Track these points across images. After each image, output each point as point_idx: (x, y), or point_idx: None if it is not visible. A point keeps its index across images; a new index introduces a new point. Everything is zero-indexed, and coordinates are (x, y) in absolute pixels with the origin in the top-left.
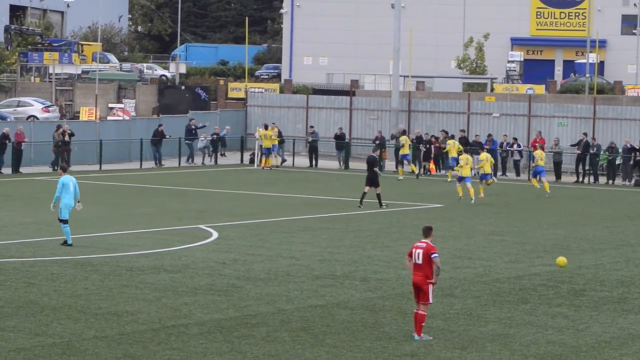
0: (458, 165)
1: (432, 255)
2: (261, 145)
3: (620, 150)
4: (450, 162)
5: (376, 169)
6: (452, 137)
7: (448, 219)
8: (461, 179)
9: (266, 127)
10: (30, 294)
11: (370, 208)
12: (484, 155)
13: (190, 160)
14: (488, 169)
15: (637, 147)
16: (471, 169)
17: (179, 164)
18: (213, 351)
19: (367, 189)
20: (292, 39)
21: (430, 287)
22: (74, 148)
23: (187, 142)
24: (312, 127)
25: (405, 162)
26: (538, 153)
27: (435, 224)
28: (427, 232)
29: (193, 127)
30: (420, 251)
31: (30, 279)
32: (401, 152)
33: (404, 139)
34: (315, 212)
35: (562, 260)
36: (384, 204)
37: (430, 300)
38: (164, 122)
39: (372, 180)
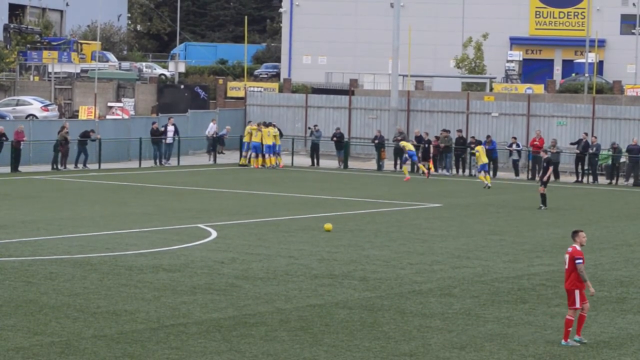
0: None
1: (576, 261)
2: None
3: (624, 150)
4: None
5: (551, 168)
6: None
7: (447, 218)
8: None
9: (265, 124)
10: (29, 292)
11: (370, 207)
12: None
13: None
14: None
15: None
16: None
17: (178, 162)
18: (212, 350)
19: (542, 189)
20: (291, 38)
21: (577, 291)
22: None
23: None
24: (315, 125)
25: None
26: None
27: (434, 223)
28: (573, 235)
29: (158, 129)
30: (567, 256)
31: (29, 278)
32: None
33: (271, 130)
34: (314, 211)
35: (328, 226)
36: (542, 206)
37: (577, 305)
38: (162, 122)
39: (546, 181)
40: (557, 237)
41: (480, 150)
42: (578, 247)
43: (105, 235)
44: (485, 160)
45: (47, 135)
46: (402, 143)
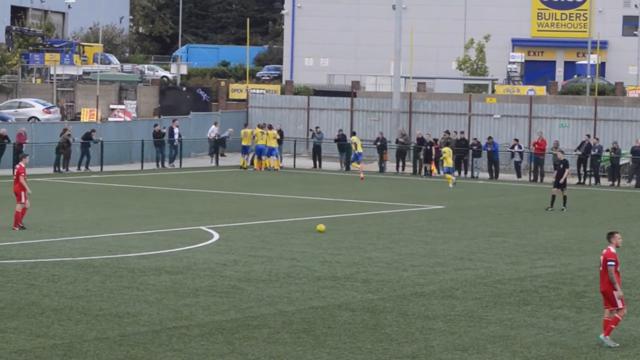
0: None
1: (608, 263)
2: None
3: (623, 150)
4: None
5: (567, 170)
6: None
7: (449, 220)
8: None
9: (264, 127)
10: (31, 295)
11: (372, 209)
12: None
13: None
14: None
15: None
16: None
17: (180, 165)
18: (214, 353)
19: (555, 191)
20: (293, 40)
21: (615, 293)
22: (75, 150)
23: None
24: (317, 127)
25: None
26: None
27: (436, 225)
28: (608, 237)
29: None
30: (602, 258)
31: (31, 281)
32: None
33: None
34: (316, 213)
35: (321, 227)
36: (550, 207)
37: (619, 306)
38: (165, 124)
39: (563, 182)
40: (560, 239)
41: (447, 152)
42: (613, 249)
43: (107, 238)
44: (450, 163)
45: (49, 137)
46: (354, 139)
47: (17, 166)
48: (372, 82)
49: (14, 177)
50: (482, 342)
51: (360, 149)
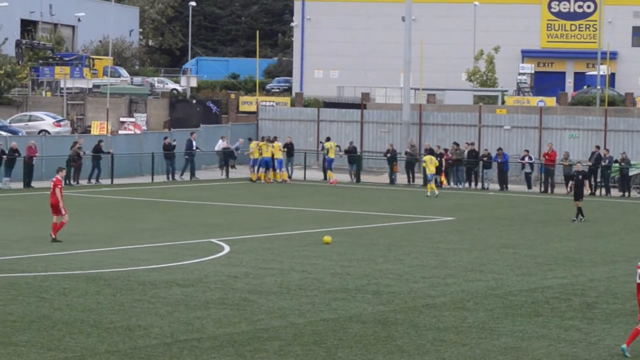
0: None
1: None
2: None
3: (632, 161)
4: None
5: (587, 182)
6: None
7: (460, 231)
8: None
9: (269, 140)
10: (43, 308)
11: (383, 221)
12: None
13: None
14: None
15: None
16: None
17: (191, 177)
18: None
19: (576, 203)
20: (303, 52)
21: None
22: (85, 163)
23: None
24: (327, 139)
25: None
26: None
27: (447, 237)
28: None
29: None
30: (639, 270)
31: (42, 294)
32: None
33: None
34: (327, 225)
35: (327, 239)
36: (575, 219)
37: None
38: (176, 136)
39: (581, 194)
40: (570, 250)
41: (428, 160)
42: None
43: (118, 251)
44: (432, 170)
45: (60, 150)
46: (327, 144)
47: (54, 179)
48: (382, 93)
49: (51, 189)
50: (493, 353)
51: (332, 155)
